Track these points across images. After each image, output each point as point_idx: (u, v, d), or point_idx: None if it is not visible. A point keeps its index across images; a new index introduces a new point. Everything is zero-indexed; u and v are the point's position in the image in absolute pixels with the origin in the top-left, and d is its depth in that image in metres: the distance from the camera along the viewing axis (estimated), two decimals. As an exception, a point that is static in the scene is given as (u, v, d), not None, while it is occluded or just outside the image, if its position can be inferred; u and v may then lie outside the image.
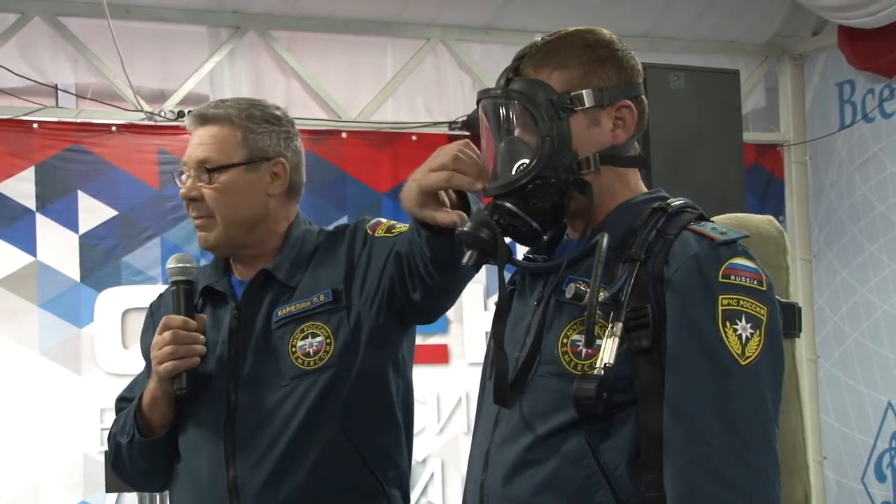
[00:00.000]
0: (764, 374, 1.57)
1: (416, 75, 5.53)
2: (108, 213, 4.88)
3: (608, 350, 1.58)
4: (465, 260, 1.70)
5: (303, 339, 2.14)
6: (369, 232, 2.22)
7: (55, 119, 4.93)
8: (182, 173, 2.23)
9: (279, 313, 2.18)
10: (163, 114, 5.03)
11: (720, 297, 1.57)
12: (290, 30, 5.34)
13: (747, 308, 1.57)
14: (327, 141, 5.33)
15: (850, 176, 5.77)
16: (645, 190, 1.78)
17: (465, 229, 1.68)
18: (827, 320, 5.87)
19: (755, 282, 1.60)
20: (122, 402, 2.36)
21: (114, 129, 4.99)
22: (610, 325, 1.59)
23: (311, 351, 2.14)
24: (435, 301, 2.13)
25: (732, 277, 1.59)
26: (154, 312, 2.40)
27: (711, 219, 1.77)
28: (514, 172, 1.69)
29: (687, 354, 1.58)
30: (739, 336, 1.56)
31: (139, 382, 2.33)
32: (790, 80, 6.09)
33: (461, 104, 5.55)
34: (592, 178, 1.71)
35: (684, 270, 1.60)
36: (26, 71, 4.89)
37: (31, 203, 4.84)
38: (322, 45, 5.39)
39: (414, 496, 5.27)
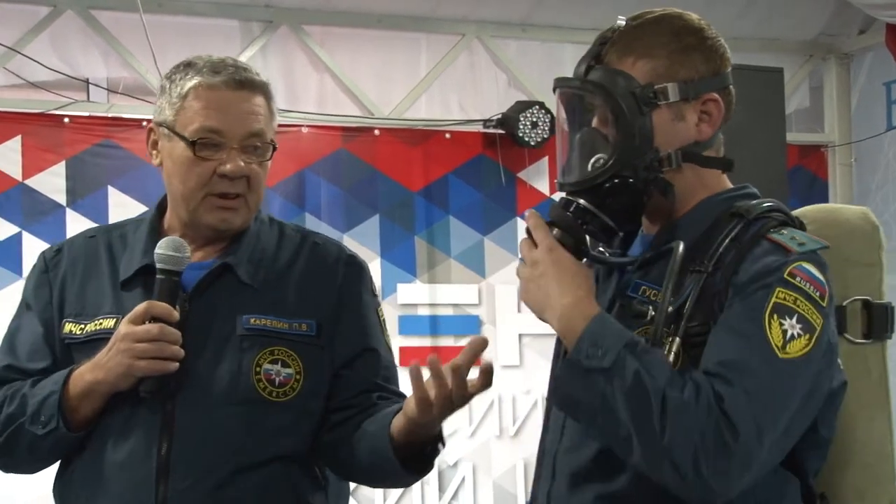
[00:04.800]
0: (795, 380, 1.51)
1: (450, 72, 5.54)
2: (139, 208, 4.76)
3: None
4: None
5: (271, 362, 1.97)
6: (373, 291, 2.12)
7: (86, 114, 4.96)
8: (215, 145, 1.98)
9: (252, 322, 1.98)
10: None
11: (777, 288, 1.54)
12: (322, 24, 5.36)
13: (803, 310, 1.53)
14: (359, 138, 5.36)
15: (897, 178, 5.77)
16: (729, 185, 1.72)
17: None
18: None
19: (817, 293, 1.56)
20: (9, 371, 2.05)
21: (145, 123, 4.83)
22: (668, 341, 1.56)
23: (276, 380, 1.97)
24: (337, 469, 2.07)
25: (798, 279, 1.55)
26: (50, 268, 2.11)
27: (796, 212, 1.72)
28: (590, 168, 1.65)
29: (725, 331, 1.54)
30: (784, 331, 1.52)
31: (28, 349, 2.05)
32: (835, 80, 6.06)
33: (496, 102, 5.55)
34: (672, 175, 1.66)
35: (750, 273, 1.57)
36: (57, 65, 4.90)
37: (61, 198, 4.88)
38: (355, 41, 5.42)
39: (445, 500, 5.33)
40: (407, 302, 5.37)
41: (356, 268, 2.10)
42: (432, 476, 5.11)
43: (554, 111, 4.93)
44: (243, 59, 4.94)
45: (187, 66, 2.02)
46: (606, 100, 1.64)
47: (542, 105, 5.38)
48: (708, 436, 1.46)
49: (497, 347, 5.34)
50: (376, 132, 5.38)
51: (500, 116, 5.44)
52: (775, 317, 1.52)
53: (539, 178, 5.57)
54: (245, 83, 1.99)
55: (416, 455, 1.91)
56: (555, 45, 5.64)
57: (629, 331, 1.57)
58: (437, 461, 1.94)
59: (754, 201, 1.65)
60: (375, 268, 5.29)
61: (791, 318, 1.52)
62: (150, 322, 1.91)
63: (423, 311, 5.38)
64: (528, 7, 5.47)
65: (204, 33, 5.17)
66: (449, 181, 5.47)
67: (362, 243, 5.26)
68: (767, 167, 4.76)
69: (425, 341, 5.33)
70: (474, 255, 5.45)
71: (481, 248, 5.48)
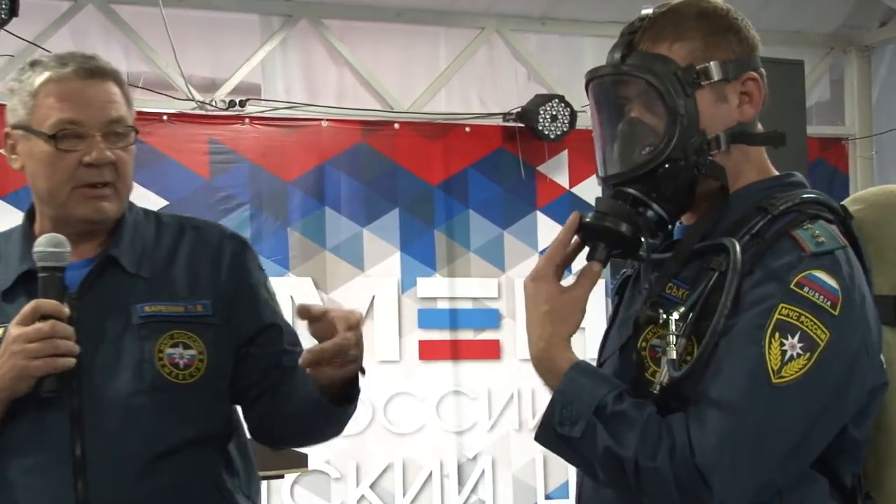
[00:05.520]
0: (787, 407, 1.47)
1: (469, 66, 5.56)
2: (159, 202, 4.90)
3: (665, 371, 1.54)
4: (595, 255, 1.61)
5: (172, 346, 1.94)
6: (258, 266, 2.10)
7: (107, 108, 5.02)
8: (76, 136, 1.94)
9: (146, 309, 1.95)
10: (214, 103, 5.10)
11: (781, 304, 1.49)
12: (342, 18, 5.38)
13: (806, 326, 1.48)
14: (379, 132, 5.39)
15: (919, 171, 5.74)
16: (774, 172, 1.68)
17: (602, 222, 1.60)
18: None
19: (828, 302, 1.50)
20: None
21: (165, 118, 5.05)
22: (673, 341, 1.54)
23: (181, 363, 1.94)
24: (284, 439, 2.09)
25: (805, 289, 1.50)
26: None
27: (857, 195, 1.69)
28: (637, 156, 1.62)
29: (727, 350, 1.51)
30: (784, 352, 1.48)
31: None
32: (856, 73, 6.07)
33: (516, 95, 5.56)
34: (721, 158, 1.61)
35: (761, 277, 1.52)
36: (78, 59, 4.97)
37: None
38: (375, 35, 5.43)
39: (464, 494, 5.37)
40: (427, 295, 5.38)
41: (240, 246, 2.08)
42: (451, 469, 5.27)
43: (574, 105, 5.03)
44: (262, 53, 5.17)
45: (34, 65, 1.99)
46: (650, 84, 1.61)
47: (561, 98, 5.38)
48: (684, 496, 1.46)
49: (516, 341, 5.36)
50: (396, 126, 5.40)
51: (519, 110, 5.44)
52: (776, 336, 1.48)
53: (559, 171, 5.57)
54: (96, 71, 1.96)
55: (343, 394, 1.92)
56: (574, 39, 5.64)
57: (603, 384, 1.55)
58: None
59: (789, 192, 1.61)
60: (395, 261, 5.33)
61: (793, 337, 1.48)
62: (39, 321, 1.86)
63: (443, 305, 5.39)
64: (548, 1, 5.48)
65: (224, 27, 5.23)
66: (468, 175, 5.48)
67: (382, 237, 5.31)
68: (788, 160, 4.59)
69: (445, 335, 5.35)
70: (494, 249, 5.45)
71: (501, 242, 5.48)
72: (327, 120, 5.28)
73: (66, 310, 1.87)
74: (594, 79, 1.67)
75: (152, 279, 1.97)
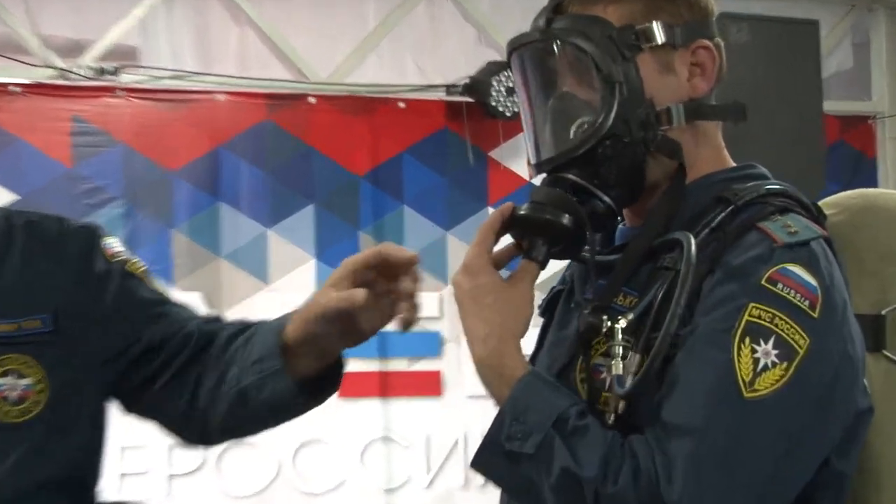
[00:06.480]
0: (763, 426, 1.48)
1: (406, 27, 5.43)
2: (5, 196, 4.76)
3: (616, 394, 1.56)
4: (532, 254, 1.64)
5: (2, 375, 1.87)
6: (110, 256, 2.00)
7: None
8: None
9: None
10: (79, 70, 4.95)
11: (751, 304, 1.50)
12: (245, -33, 5.35)
13: (781, 329, 1.49)
14: (290, 108, 5.24)
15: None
16: (731, 163, 1.72)
17: (539, 214, 1.63)
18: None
19: (806, 302, 1.51)
20: None
21: (16, 89, 4.90)
22: (619, 353, 1.56)
23: (12, 396, 1.87)
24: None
25: (779, 286, 1.51)
26: None
27: (827, 199, 1.73)
28: (572, 136, 1.65)
29: (687, 359, 1.52)
30: (756, 360, 1.49)
31: None
32: (885, 36, 5.97)
33: (464, 63, 5.40)
34: (676, 136, 1.65)
35: (725, 274, 1.55)
36: None
37: None
38: (286, -13, 5.38)
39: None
40: None
41: (89, 236, 2.01)
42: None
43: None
44: (141, 9, 5.09)
45: None
46: (579, 48, 1.65)
47: (519, 67, 5.18)
48: None
49: (463, 372, 5.21)
50: (311, 100, 5.26)
51: (467, 81, 5.30)
52: (747, 341, 1.49)
53: (516, 157, 5.43)
54: None
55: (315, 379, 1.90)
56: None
57: (564, 396, 1.57)
58: None
59: (752, 183, 1.65)
60: (309, 272, 5.18)
61: (766, 343, 1.49)
62: None
63: None
64: (504, -54, 5.44)
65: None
66: (403, 162, 5.36)
67: (293, 240, 5.17)
68: (801, 142, 4.70)
69: (371, 365, 5.17)
70: (435, 256, 5.27)
71: (444, 247, 5.35)
72: (224, 93, 5.13)
73: None
74: (516, 48, 1.72)
75: None
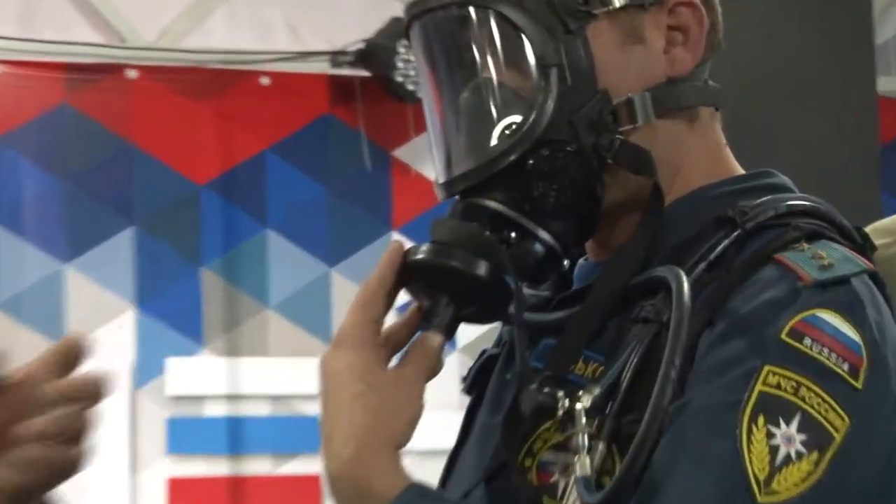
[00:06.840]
0: None
1: None
2: None
3: (573, 502, 1.36)
4: (433, 319, 1.42)
5: None
6: None
7: None
8: None
9: None
10: None
11: (766, 368, 1.28)
12: None
13: (810, 404, 1.27)
14: (98, 86, 4.90)
15: None
16: (738, 169, 1.51)
17: (441, 260, 1.40)
18: None
19: (845, 365, 1.28)
20: None
21: None
22: (583, 445, 1.32)
23: None
24: None
25: (805, 341, 1.29)
26: None
27: (874, 225, 1.74)
28: (495, 142, 1.44)
29: (676, 447, 1.31)
30: (774, 449, 1.26)
31: None
32: None
33: (356, 21, 5.13)
34: (643, 138, 1.43)
35: (727, 327, 1.35)
36: None
37: None
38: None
39: None
40: (183, 393, 4.92)
41: None
42: None
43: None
44: None
45: None
46: (503, 17, 1.45)
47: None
48: None
49: None
50: (131, 73, 4.91)
51: (361, 46, 5.02)
52: (761, 421, 1.28)
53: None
54: None
55: None
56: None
57: None
58: None
59: (766, 198, 1.43)
60: (125, 327, 4.73)
61: (788, 424, 1.28)
62: None
63: (216, 411, 4.94)
64: None
65: None
66: (266, 164, 4.99)
67: (101, 281, 4.74)
68: (845, 137, 4.42)
69: (219, 467, 4.77)
70: (314, 303, 4.95)
71: (327, 289, 5.00)
72: (1, 62, 4.81)
73: None
74: (417, 16, 1.51)
75: None
